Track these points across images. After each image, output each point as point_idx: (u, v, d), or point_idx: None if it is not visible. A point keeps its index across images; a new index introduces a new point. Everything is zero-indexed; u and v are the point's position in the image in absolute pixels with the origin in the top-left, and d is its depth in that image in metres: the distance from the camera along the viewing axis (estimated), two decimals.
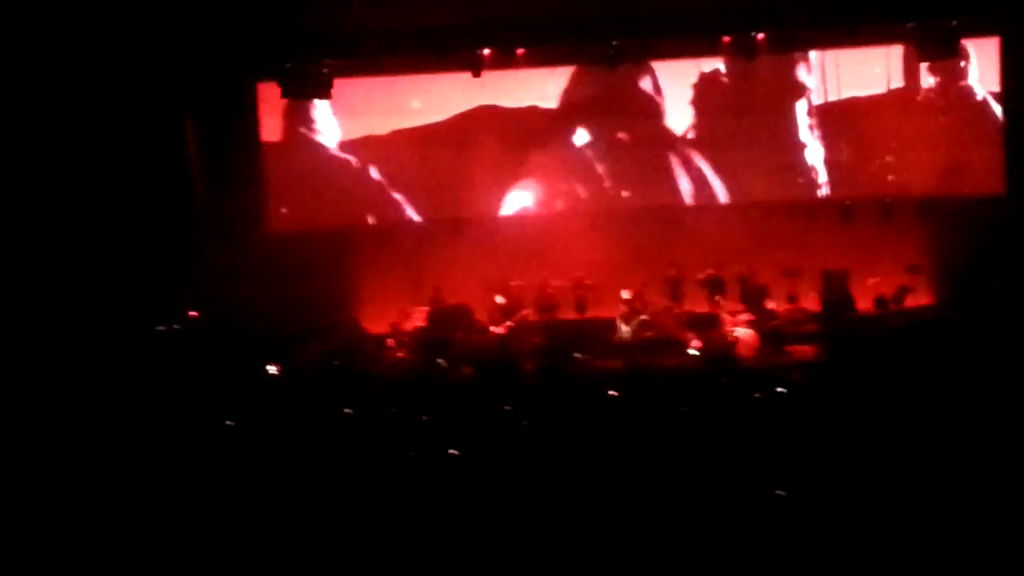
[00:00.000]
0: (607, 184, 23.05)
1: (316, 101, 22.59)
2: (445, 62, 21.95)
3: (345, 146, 23.32)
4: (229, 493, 11.16)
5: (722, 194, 22.98)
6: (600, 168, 22.99)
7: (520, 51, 21.84)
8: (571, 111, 23.22)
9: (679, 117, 23.14)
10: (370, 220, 23.19)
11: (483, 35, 21.58)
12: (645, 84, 22.97)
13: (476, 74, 21.79)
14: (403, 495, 11.22)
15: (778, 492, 9.29)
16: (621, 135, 23.11)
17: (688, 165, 23.00)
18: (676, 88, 23.07)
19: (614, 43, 21.34)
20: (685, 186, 23.07)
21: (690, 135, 23.08)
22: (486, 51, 21.71)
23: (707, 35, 21.69)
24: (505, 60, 21.92)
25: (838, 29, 21.36)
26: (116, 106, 20.38)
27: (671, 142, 23.16)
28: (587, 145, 23.24)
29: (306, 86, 21.42)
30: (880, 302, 20.63)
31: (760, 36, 21.25)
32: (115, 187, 20.31)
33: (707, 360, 18.12)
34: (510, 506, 10.63)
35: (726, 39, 21.61)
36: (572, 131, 23.23)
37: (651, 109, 23.16)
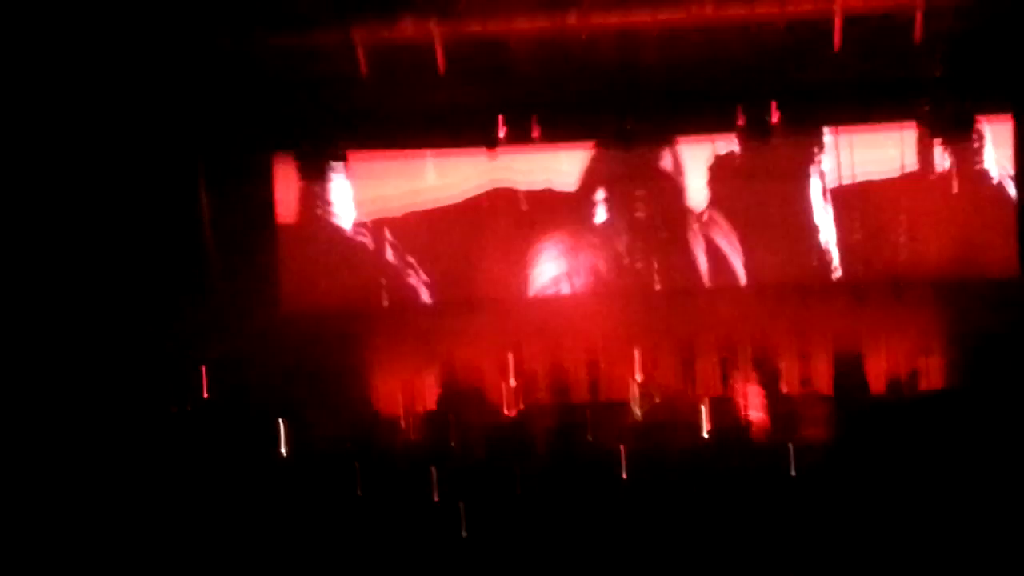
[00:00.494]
0: (622, 264, 23.01)
1: (332, 179, 22.59)
2: (460, 140, 22.06)
3: (359, 226, 23.28)
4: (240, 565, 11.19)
5: (736, 275, 22.92)
6: (615, 247, 22.95)
7: (536, 131, 21.91)
8: (587, 190, 23.18)
9: (695, 197, 23.11)
10: (384, 301, 23.14)
11: (497, 113, 21.71)
12: (664, 163, 22.96)
13: (491, 150, 21.84)
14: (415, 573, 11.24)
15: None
16: (638, 214, 23.06)
17: (703, 245, 22.98)
18: (693, 168, 23.04)
19: (628, 123, 21.42)
20: (700, 267, 23.02)
21: (705, 216, 23.04)
22: (501, 130, 21.79)
23: (721, 114, 21.79)
24: (521, 138, 21.98)
25: (851, 108, 21.45)
26: (131, 180, 20.44)
27: (687, 222, 23.11)
28: (603, 224, 23.18)
29: (322, 164, 21.52)
30: (893, 385, 20.58)
31: (774, 116, 21.32)
32: (126, 261, 20.32)
33: (720, 443, 18.05)
34: None
35: (740, 119, 21.67)
36: (588, 211, 23.14)
37: (668, 188, 23.14)
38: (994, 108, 21.51)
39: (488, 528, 12.57)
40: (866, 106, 21.38)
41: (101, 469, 14.25)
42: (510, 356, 21.63)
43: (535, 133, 21.93)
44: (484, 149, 21.87)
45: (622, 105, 21.41)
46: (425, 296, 23.20)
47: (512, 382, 21.38)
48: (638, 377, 20.73)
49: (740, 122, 21.76)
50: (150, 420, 17.83)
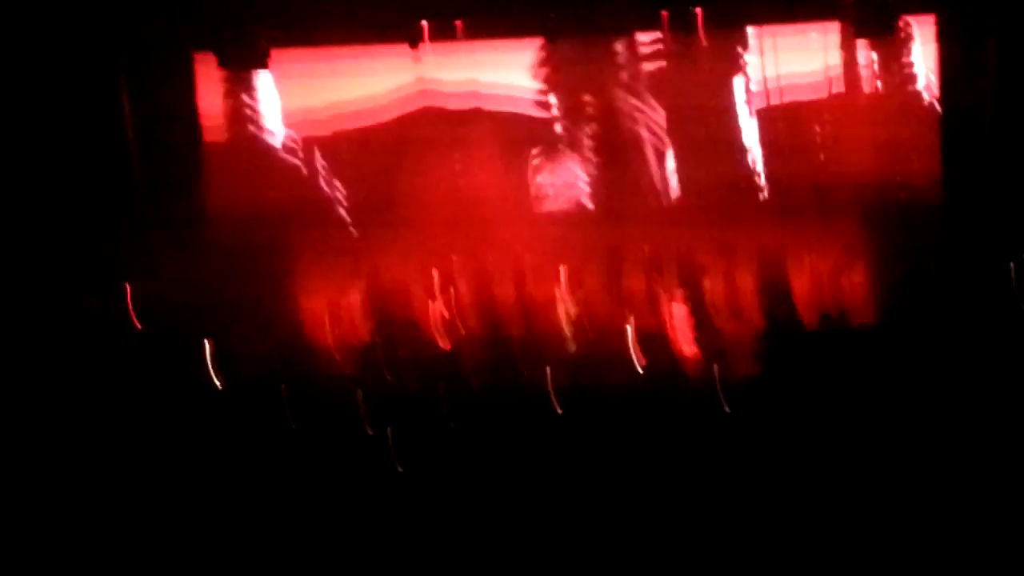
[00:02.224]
0: (548, 181, 22.95)
1: (256, 84, 22.28)
2: (383, 36, 21.81)
3: (284, 121, 22.97)
4: (168, 502, 11.20)
5: (659, 174, 22.91)
6: (543, 162, 22.87)
7: (458, 23, 21.72)
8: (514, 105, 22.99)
9: (615, 95, 22.93)
10: (308, 202, 22.93)
11: (420, 7, 21.50)
12: (583, 60, 22.81)
13: (413, 46, 21.67)
14: (345, 509, 11.30)
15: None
16: (564, 128, 22.96)
17: (624, 145, 22.94)
18: (612, 67, 22.90)
19: (552, 16, 21.29)
20: (620, 166, 22.97)
21: (627, 114, 22.97)
22: (423, 23, 21.58)
23: (646, 8, 21.69)
24: (444, 33, 21.76)
25: (775, 6, 21.43)
26: (51, 80, 20.15)
27: (607, 120, 23.03)
28: (529, 139, 23.03)
29: (243, 57, 21.23)
30: (816, 284, 20.79)
31: (698, 11, 21.26)
32: (48, 165, 20.09)
33: (654, 377, 18.19)
34: (455, 525, 10.73)
35: (664, 13, 21.57)
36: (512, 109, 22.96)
37: (592, 88, 23.01)
38: (918, 7, 21.50)
39: (420, 460, 12.66)
40: (790, 4, 21.37)
41: (23, 389, 14.20)
42: (437, 276, 21.63)
43: (458, 25, 21.75)
44: (407, 46, 21.60)
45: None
46: (353, 211, 23.02)
47: (436, 280, 21.40)
48: (565, 301, 20.80)
49: (664, 15, 21.65)
50: (70, 340, 17.74)
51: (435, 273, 21.39)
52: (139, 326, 19.62)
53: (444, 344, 20.45)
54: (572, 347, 20.30)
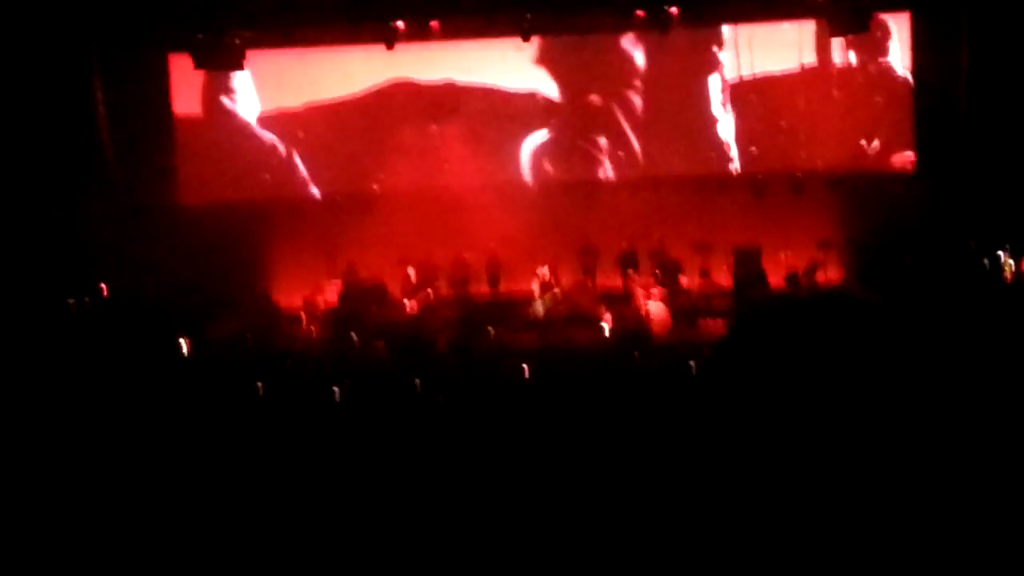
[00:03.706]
0: (522, 158, 22.93)
1: (236, 73, 22.35)
2: (358, 35, 21.90)
3: (260, 119, 23.13)
4: (138, 470, 11.08)
5: (635, 170, 22.95)
6: (515, 142, 22.88)
7: (434, 24, 21.76)
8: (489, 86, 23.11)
9: (591, 92, 23.08)
10: (283, 194, 22.97)
11: (396, 7, 21.54)
12: (564, 58, 22.88)
13: (390, 47, 21.71)
14: (314, 471, 11.19)
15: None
16: (539, 110, 22.98)
17: (600, 141, 22.98)
18: (588, 64, 23.01)
19: (527, 16, 21.31)
20: (599, 161, 23.04)
21: (604, 110, 23.02)
22: (400, 23, 21.63)
23: (621, 9, 21.76)
24: (419, 33, 21.82)
25: (751, 3, 21.52)
26: (23, 75, 20.16)
27: (585, 117, 23.12)
28: (503, 119, 23.03)
29: (218, 56, 21.20)
30: (791, 279, 20.82)
31: (673, 9, 21.30)
32: (22, 157, 20.08)
33: (620, 336, 18.20)
34: (420, 483, 10.61)
35: (640, 13, 21.63)
36: (490, 106, 22.98)
37: (569, 84, 23.08)
38: (892, 4, 21.61)
39: (388, 421, 12.57)
40: (766, 1, 21.47)
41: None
42: (410, 248, 21.64)
43: (434, 25, 21.79)
44: (383, 45, 21.65)
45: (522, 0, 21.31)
46: (324, 190, 23.07)
47: (411, 272, 21.39)
48: (540, 270, 20.81)
49: (639, 15, 21.70)
50: (48, 314, 17.71)
51: (411, 270, 21.40)
52: (112, 298, 19.70)
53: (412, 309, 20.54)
54: (541, 312, 20.37)
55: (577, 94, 23.04)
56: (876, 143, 22.46)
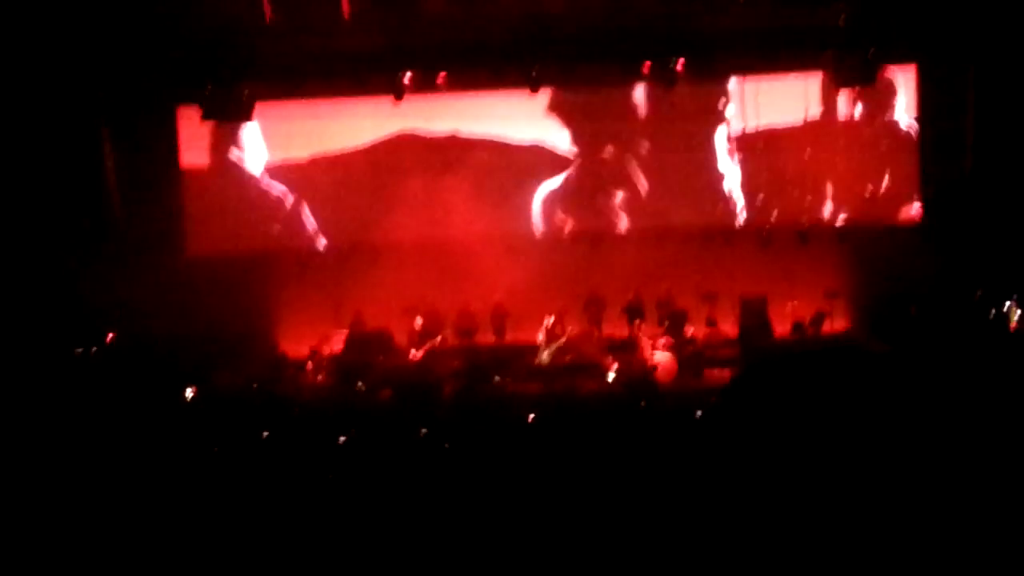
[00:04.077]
0: (529, 209, 22.95)
1: (245, 125, 22.41)
2: (366, 87, 21.99)
3: (267, 170, 23.21)
4: (144, 518, 11.06)
5: (642, 221, 22.95)
6: (521, 193, 22.89)
7: (441, 76, 21.82)
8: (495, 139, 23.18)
9: (600, 144, 23.19)
10: (291, 245, 23.01)
11: (404, 60, 21.61)
12: (571, 111, 22.92)
13: (397, 99, 21.78)
14: (320, 519, 11.16)
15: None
16: (545, 161, 23.00)
17: (608, 192, 23.00)
18: (597, 115, 23.09)
19: (535, 68, 21.36)
20: (605, 212, 23.05)
21: (611, 162, 23.06)
22: (407, 76, 21.70)
23: (627, 62, 21.83)
24: (426, 85, 21.89)
25: (757, 57, 21.56)
26: (33, 128, 20.24)
27: (592, 169, 23.20)
28: (510, 170, 23.10)
29: (226, 109, 21.27)
30: (798, 328, 20.83)
31: (679, 63, 21.36)
32: (31, 210, 20.14)
33: (626, 385, 18.17)
34: (427, 530, 10.57)
35: (646, 66, 21.69)
36: (495, 157, 23.07)
37: (576, 135, 23.16)
38: (898, 57, 21.64)
39: (393, 469, 12.54)
40: (772, 55, 21.52)
41: (4, 410, 14.14)
42: (417, 298, 21.65)
43: (441, 80, 21.85)
44: (390, 97, 21.72)
45: (529, 53, 21.33)
46: (331, 241, 23.09)
47: (418, 322, 21.39)
48: (547, 320, 20.80)
49: (646, 71, 21.74)
50: (55, 362, 17.70)
51: (418, 319, 21.42)
52: (119, 346, 19.70)
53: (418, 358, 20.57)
54: (546, 361, 20.37)
55: (588, 145, 23.13)
56: (882, 193, 22.45)
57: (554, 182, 23.19)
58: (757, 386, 2.14)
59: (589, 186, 23.12)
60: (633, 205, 23.01)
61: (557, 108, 22.89)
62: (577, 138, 23.13)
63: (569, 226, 23.12)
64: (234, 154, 23.15)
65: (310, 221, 23.11)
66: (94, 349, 19.73)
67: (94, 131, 21.70)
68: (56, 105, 20.58)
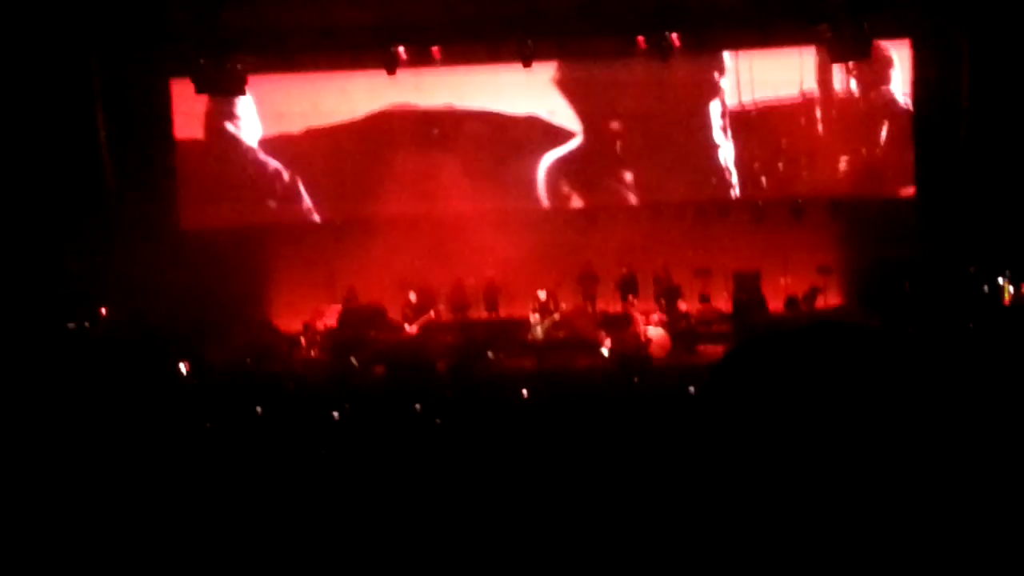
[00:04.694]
0: (523, 183, 22.93)
1: (240, 98, 22.36)
2: (360, 60, 21.95)
3: (261, 144, 23.19)
4: (136, 492, 11.06)
5: (635, 195, 22.99)
6: (516, 167, 22.86)
7: (435, 50, 21.80)
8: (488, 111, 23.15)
9: (593, 117, 23.16)
10: (284, 219, 23.02)
11: (397, 33, 21.58)
12: (562, 84, 22.89)
13: (391, 72, 21.76)
14: (313, 494, 11.17)
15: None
16: (540, 135, 23.00)
17: (602, 166, 23.00)
18: (591, 89, 23.05)
19: (528, 42, 21.33)
20: (598, 186, 23.07)
21: (604, 136, 23.09)
22: (401, 49, 21.68)
23: (622, 36, 21.81)
24: (420, 59, 21.88)
25: (751, 30, 21.54)
26: (25, 101, 20.20)
27: (585, 143, 23.18)
28: (504, 144, 23.05)
29: (219, 82, 21.24)
30: (791, 303, 20.84)
31: (674, 37, 21.35)
32: (24, 182, 20.10)
33: (620, 361, 18.20)
34: (419, 505, 10.59)
35: (641, 40, 21.67)
36: (489, 131, 23.04)
37: (570, 109, 23.12)
38: (893, 31, 21.62)
39: (388, 446, 12.56)
40: (767, 28, 21.50)
41: None
42: (410, 273, 21.66)
43: (435, 53, 21.84)
44: (384, 70, 21.70)
45: (523, 26, 21.31)
46: (324, 214, 23.10)
47: (412, 297, 21.40)
48: (540, 294, 20.80)
49: (641, 44, 21.73)
50: (48, 337, 17.71)
51: (411, 294, 21.42)
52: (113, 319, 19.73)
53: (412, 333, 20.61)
54: (540, 336, 20.40)
55: (586, 119, 23.15)
56: (876, 168, 22.47)
57: (557, 154, 23.18)
58: (746, 365, 2.12)
59: (588, 160, 23.14)
60: (627, 180, 23.01)
61: (555, 81, 22.83)
62: (576, 112, 23.10)
63: (576, 200, 23.17)
64: (230, 127, 23.12)
65: (305, 195, 23.09)
66: (87, 324, 19.72)
67: (87, 103, 21.60)
68: (49, 77, 20.51)
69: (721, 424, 1.98)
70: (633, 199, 23.02)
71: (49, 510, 9.86)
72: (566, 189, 23.10)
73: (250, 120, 23.05)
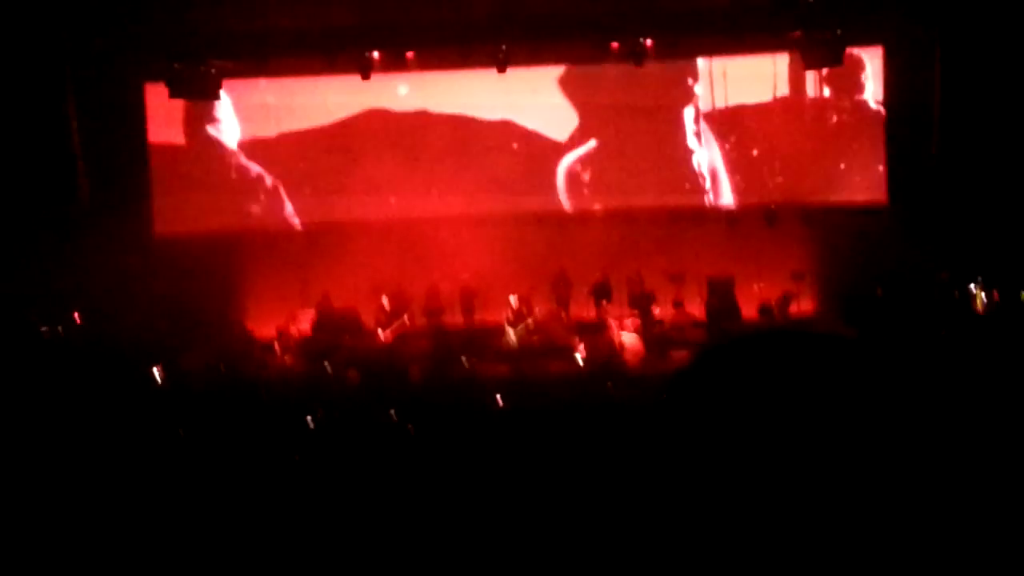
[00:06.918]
0: (497, 189, 22.87)
1: (205, 102, 22.29)
2: (334, 65, 21.91)
3: (237, 148, 23.14)
4: (111, 500, 11.03)
5: (608, 200, 22.97)
6: (491, 173, 22.81)
7: (410, 54, 21.81)
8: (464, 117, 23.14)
9: (566, 123, 23.18)
10: (257, 224, 22.97)
11: (372, 38, 21.57)
12: (535, 89, 22.88)
13: (365, 77, 21.74)
14: (287, 501, 11.15)
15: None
16: (512, 141, 23.02)
17: (574, 171, 23.02)
18: (569, 95, 23.06)
19: (503, 47, 21.32)
20: (572, 192, 23.08)
21: (576, 141, 23.11)
22: (375, 54, 21.68)
23: (595, 40, 21.84)
24: (395, 63, 21.89)
25: (725, 36, 21.61)
26: None
27: (558, 148, 23.18)
28: (479, 149, 23.03)
29: (193, 86, 21.19)
30: (764, 310, 20.89)
31: (648, 42, 21.39)
32: None
33: (593, 367, 18.22)
34: (394, 511, 10.58)
35: (614, 45, 21.71)
36: (464, 136, 23.01)
37: (544, 115, 23.10)
38: (865, 39, 21.71)
39: (361, 451, 12.55)
40: (740, 34, 21.57)
41: None
42: (384, 278, 21.64)
43: (409, 56, 21.85)
44: (358, 74, 21.67)
45: (497, 31, 21.32)
46: (299, 219, 23.06)
47: (385, 302, 21.37)
48: (512, 300, 20.81)
49: (614, 46, 21.77)
50: (21, 341, 17.62)
51: (385, 300, 21.40)
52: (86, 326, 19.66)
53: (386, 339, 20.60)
54: (514, 342, 20.42)
55: (550, 124, 23.18)
56: (849, 174, 22.55)
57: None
58: (708, 372, 2.13)
59: (553, 165, 23.17)
60: (600, 185, 23.02)
61: (522, 87, 22.81)
62: (543, 118, 23.12)
63: (550, 205, 23.20)
64: (211, 131, 23.08)
65: (277, 198, 23.04)
66: (60, 329, 19.65)
67: (60, 107, 21.55)
68: (21, 80, 20.46)
69: (682, 430, 1.99)
70: (606, 205, 22.97)
71: (21, 515, 9.82)
72: (540, 194, 23.03)
73: (230, 123, 22.99)
